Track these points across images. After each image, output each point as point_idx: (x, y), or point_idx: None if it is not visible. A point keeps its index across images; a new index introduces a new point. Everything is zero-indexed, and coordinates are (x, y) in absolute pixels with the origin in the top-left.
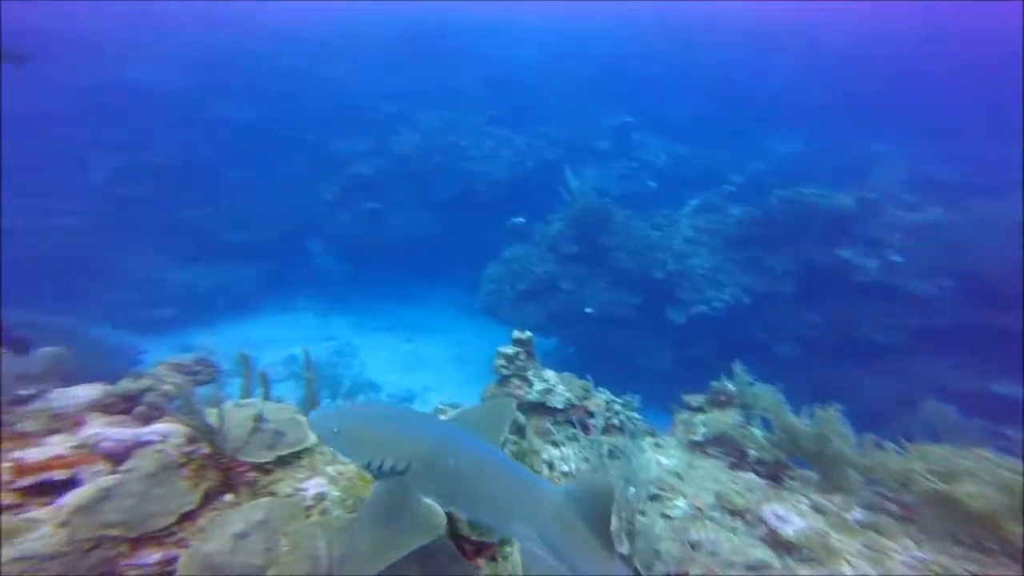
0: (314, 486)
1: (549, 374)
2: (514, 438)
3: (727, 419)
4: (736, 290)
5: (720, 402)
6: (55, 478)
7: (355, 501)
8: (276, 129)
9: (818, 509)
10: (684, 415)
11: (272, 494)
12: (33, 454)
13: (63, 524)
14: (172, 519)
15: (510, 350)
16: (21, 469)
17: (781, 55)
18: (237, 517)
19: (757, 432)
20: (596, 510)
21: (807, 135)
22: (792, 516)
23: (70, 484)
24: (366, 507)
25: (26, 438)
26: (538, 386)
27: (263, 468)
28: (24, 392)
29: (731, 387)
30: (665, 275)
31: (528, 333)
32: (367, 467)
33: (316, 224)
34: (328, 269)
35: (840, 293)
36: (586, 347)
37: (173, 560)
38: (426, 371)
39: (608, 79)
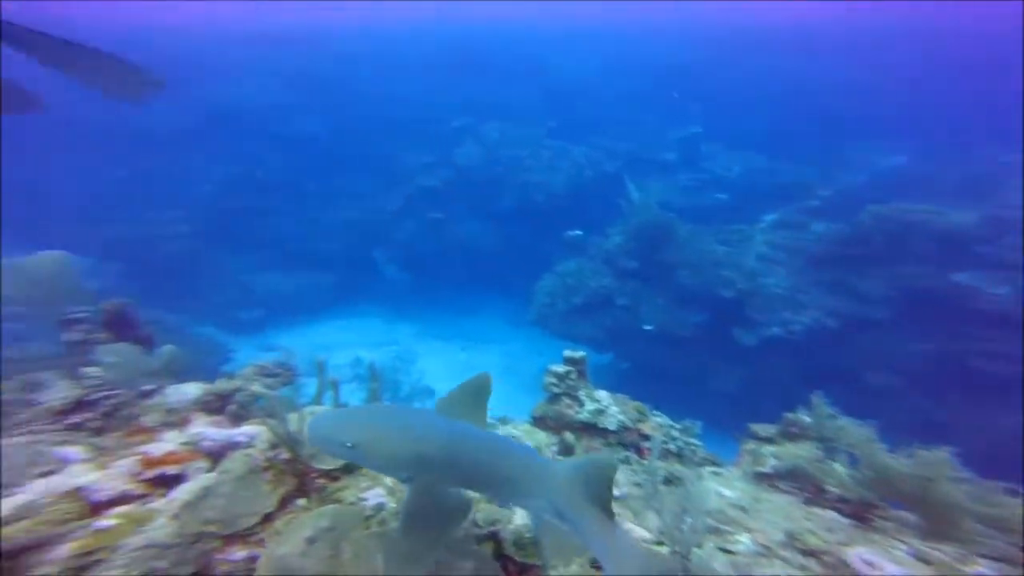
0: (374, 496)
1: (602, 395)
2: (561, 459)
3: (801, 452)
4: (819, 313)
5: (793, 434)
6: (169, 472)
7: None
8: (355, 144)
9: (921, 558)
10: (751, 445)
11: (338, 501)
12: (155, 448)
13: (175, 517)
14: (256, 520)
15: (561, 368)
16: (148, 462)
17: (882, 59)
18: (308, 522)
19: (840, 468)
20: (597, 481)
21: (916, 147)
22: (885, 563)
23: (180, 479)
24: (403, 510)
25: (148, 432)
26: (589, 406)
27: (331, 475)
28: (147, 387)
29: (806, 419)
30: (734, 294)
31: (581, 352)
32: (393, 475)
33: (382, 234)
34: (392, 277)
35: (953, 320)
36: (642, 364)
37: (255, 559)
38: None
39: (675, 89)
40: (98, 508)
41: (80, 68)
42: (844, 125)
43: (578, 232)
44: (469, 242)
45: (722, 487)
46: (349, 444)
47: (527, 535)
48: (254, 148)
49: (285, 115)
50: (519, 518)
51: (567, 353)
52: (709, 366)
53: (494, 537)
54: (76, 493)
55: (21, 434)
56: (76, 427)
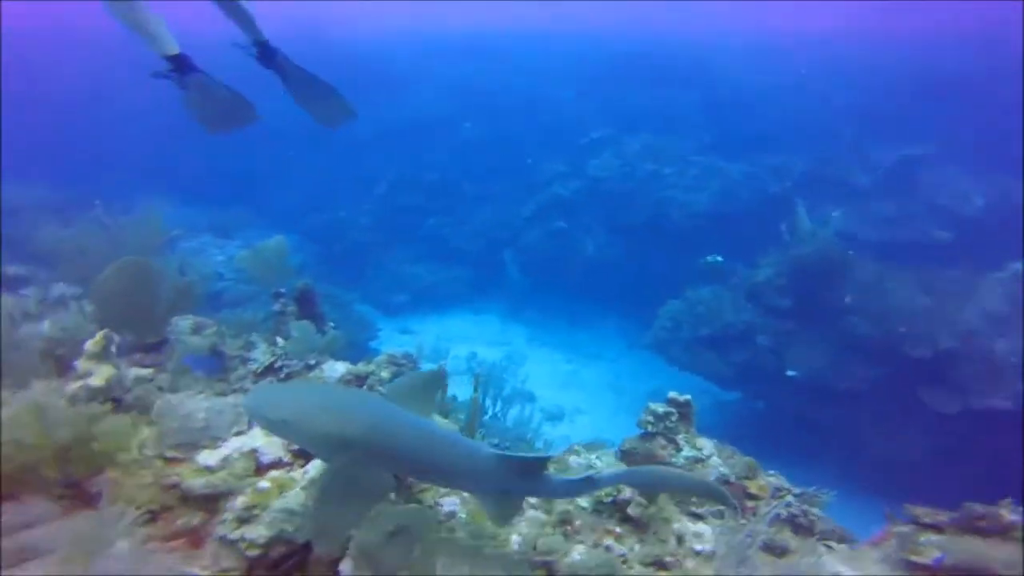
0: (449, 504)
1: (704, 443)
2: (643, 500)
3: (993, 553)
4: None
5: (979, 529)
6: None
7: (476, 528)
8: (509, 150)
9: None
10: (903, 528)
11: (419, 502)
12: None
13: (304, 488)
14: None
15: (661, 408)
16: None
17: None
18: (392, 517)
19: None
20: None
21: None
22: None
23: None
24: (320, 486)
25: None
26: (687, 452)
27: None
28: (312, 361)
29: (1009, 516)
30: (931, 354)
31: (687, 396)
32: (320, 454)
33: (513, 238)
34: (514, 279)
35: None
36: (780, 408)
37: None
38: (580, 393)
39: (892, 101)
40: (261, 470)
41: (303, 92)
42: None
43: (718, 258)
44: (591, 255)
45: (844, 567)
46: (279, 420)
47: (582, 573)
48: (425, 153)
49: (453, 123)
50: (576, 553)
51: (671, 395)
52: (874, 427)
53: (548, 567)
54: (253, 454)
55: (234, 392)
56: None
